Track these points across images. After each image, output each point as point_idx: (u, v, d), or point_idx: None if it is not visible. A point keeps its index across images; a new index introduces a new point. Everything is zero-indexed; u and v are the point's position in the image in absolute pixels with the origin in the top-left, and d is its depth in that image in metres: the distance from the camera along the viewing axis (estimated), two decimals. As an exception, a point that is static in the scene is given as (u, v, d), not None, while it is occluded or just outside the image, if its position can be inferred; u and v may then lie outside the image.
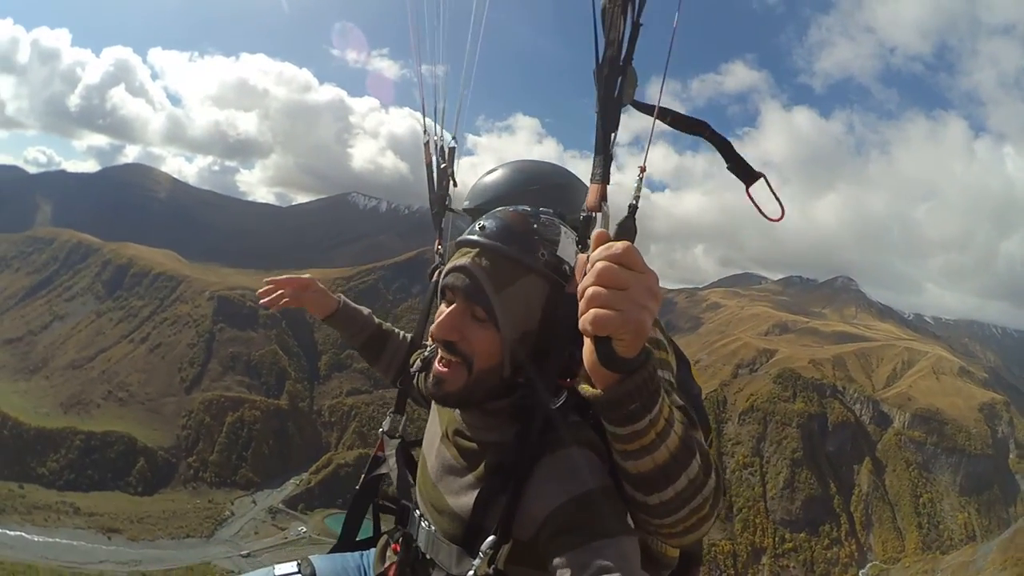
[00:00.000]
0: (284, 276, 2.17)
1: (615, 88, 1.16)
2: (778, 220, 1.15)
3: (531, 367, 1.31)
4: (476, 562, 1.20)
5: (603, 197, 1.18)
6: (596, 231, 1.00)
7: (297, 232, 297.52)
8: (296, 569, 1.84)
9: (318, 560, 1.94)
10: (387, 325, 2.39)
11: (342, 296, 2.30)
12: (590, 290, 0.93)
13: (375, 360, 2.34)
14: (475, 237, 1.33)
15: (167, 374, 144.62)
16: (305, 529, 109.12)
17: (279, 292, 2.13)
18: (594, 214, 1.23)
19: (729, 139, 1.14)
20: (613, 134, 1.18)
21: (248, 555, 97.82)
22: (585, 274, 0.97)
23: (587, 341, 1.00)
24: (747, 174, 1.17)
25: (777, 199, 1.14)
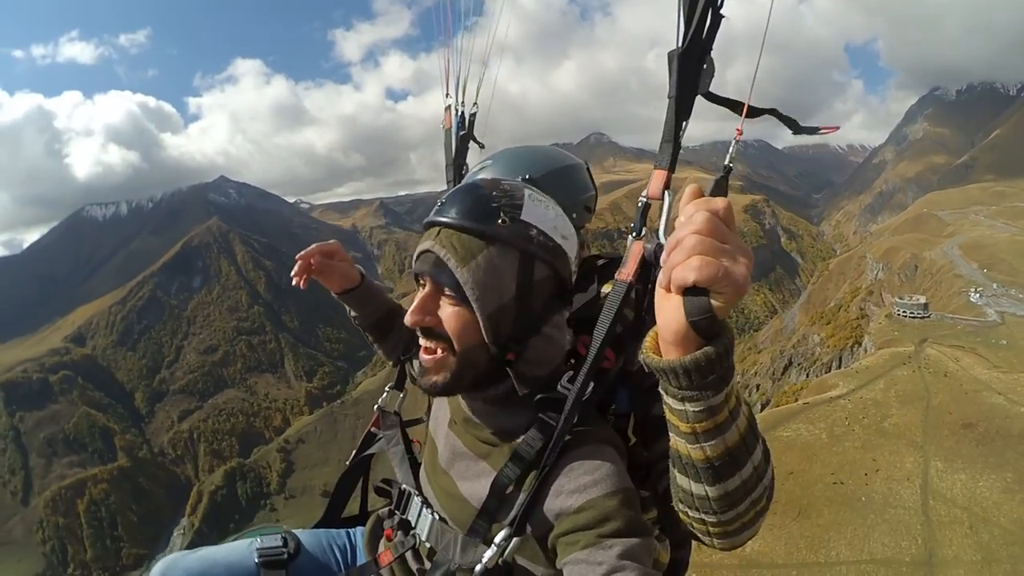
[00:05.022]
0: (313, 246, 1.96)
1: (693, 77, 1.16)
2: (833, 131, 1.20)
3: (517, 344, 1.29)
4: (489, 553, 1.20)
5: (667, 185, 1.18)
6: (690, 186, 0.95)
7: (45, 276, 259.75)
8: (281, 543, 1.75)
9: (302, 535, 1.87)
10: (397, 303, 2.20)
11: (361, 268, 2.10)
12: (691, 238, 0.87)
13: (383, 338, 2.15)
14: (435, 217, 1.31)
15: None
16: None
17: (305, 265, 1.93)
18: (652, 201, 1.22)
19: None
20: (684, 122, 1.18)
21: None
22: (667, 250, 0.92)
23: (668, 298, 0.92)
24: (811, 130, 1.22)
25: (829, 128, 1.19)
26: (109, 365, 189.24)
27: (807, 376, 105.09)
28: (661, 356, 0.97)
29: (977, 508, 41.46)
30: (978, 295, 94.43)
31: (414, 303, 1.31)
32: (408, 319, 1.31)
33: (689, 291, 0.88)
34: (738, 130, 1.15)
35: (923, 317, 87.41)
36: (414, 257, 1.37)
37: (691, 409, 0.98)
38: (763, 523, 1.17)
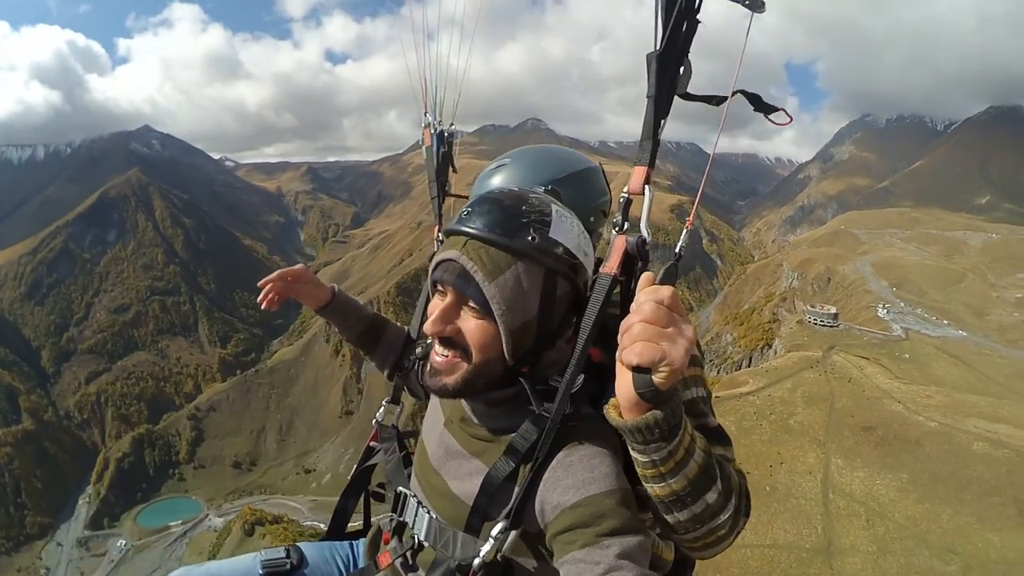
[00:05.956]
0: (275, 272, 2.02)
1: (671, 79, 1.21)
2: (786, 124, 1.34)
3: (534, 357, 1.33)
4: (485, 548, 1.22)
5: (647, 180, 1.24)
6: (645, 273, 1.11)
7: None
8: (284, 555, 1.78)
9: (306, 547, 1.89)
10: (382, 316, 2.27)
11: (336, 285, 2.17)
12: (638, 326, 1.02)
13: (371, 352, 2.20)
14: (462, 226, 1.30)
15: None
16: (124, 541, 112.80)
17: (271, 288, 2.00)
18: (632, 196, 1.30)
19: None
20: (663, 121, 1.24)
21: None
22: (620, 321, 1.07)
23: (623, 371, 1.08)
24: (770, 109, 1.34)
25: (789, 115, 1.32)
26: (16, 320, 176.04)
27: (718, 372, 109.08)
28: (620, 415, 1.13)
29: (874, 504, 46.09)
30: (886, 311, 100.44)
31: (436, 313, 1.31)
32: (429, 328, 1.31)
33: (636, 369, 1.05)
34: (688, 220, 1.25)
35: (832, 326, 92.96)
36: (432, 264, 1.36)
37: (640, 459, 1.15)
38: (729, 543, 1.30)
